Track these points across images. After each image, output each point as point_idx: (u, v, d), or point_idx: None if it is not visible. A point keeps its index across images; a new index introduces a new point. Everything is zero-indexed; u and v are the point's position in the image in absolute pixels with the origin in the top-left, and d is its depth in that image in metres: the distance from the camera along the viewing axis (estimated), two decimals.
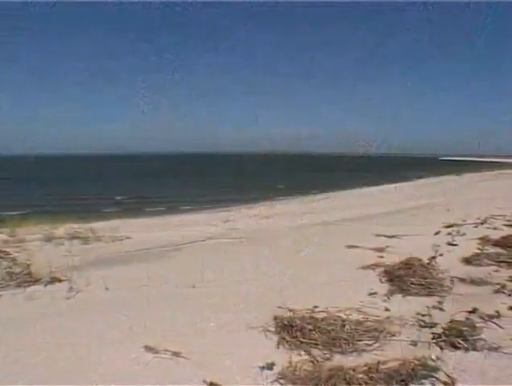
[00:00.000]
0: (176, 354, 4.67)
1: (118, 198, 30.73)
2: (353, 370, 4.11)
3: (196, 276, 7.77)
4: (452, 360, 4.34)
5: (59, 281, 7.83)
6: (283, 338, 4.98)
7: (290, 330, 5.09)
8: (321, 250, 9.90)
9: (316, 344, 4.76)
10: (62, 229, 13.89)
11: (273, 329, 5.27)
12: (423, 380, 3.94)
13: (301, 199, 28.67)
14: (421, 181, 44.41)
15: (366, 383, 3.91)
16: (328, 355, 4.54)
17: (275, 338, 5.05)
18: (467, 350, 4.55)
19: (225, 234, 13.48)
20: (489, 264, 7.93)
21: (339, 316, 5.41)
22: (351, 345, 4.73)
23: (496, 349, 4.53)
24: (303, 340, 4.85)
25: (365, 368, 4.14)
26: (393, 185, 38.62)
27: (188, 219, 18.86)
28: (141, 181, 48.47)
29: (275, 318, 5.47)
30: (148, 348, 4.81)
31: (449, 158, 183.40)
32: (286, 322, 5.26)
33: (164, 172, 71.14)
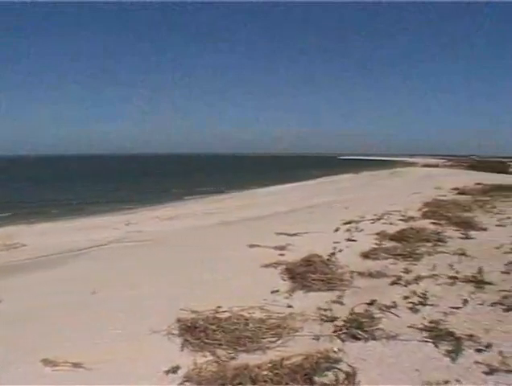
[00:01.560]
0: (77, 365, 4.53)
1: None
2: (258, 367, 4.23)
3: (95, 282, 7.56)
4: (353, 351, 4.63)
5: None
6: (187, 340, 5.01)
7: (193, 331, 5.14)
8: (223, 250, 10.04)
9: (220, 344, 4.84)
10: None
11: (177, 332, 5.28)
12: (326, 372, 4.16)
13: (205, 199, 28.71)
14: (321, 179, 46.30)
15: (271, 379, 4.04)
16: (232, 355, 4.65)
17: (179, 340, 5.07)
18: (367, 340, 4.88)
19: (127, 237, 13.27)
20: (386, 258, 8.49)
21: (242, 315, 5.54)
22: (255, 343, 4.87)
23: (393, 337, 4.89)
24: (207, 341, 4.92)
25: (270, 365, 4.29)
26: (294, 184, 39.95)
27: (89, 222, 18.16)
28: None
29: (178, 321, 5.49)
30: (46, 362, 4.62)
31: (348, 158, 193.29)
32: (189, 324, 5.31)
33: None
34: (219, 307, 5.84)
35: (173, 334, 5.26)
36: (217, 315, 5.56)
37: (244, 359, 4.53)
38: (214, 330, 5.08)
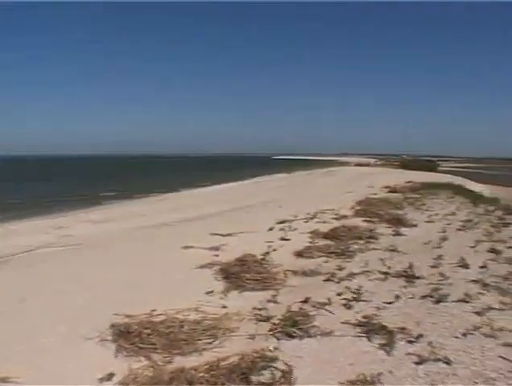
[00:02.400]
0: (5, 379, 4.35)
1: None
2: (195, 370, 4.27)
3: (23, 289, 7.27)
4: (289, 349, 4.74)
5: None
6: (121, 346, 4.96)
7: (128, 336, 5.09)
8: (157, 252, 9.98)
9: (156, 348, 4.83)
10: None
11: (110, 337, 5.21)
12: (262, 371, 4.23)
13: (142, 200, 28.14)
14: (254, 179, 46.58)
15: (208, 381, 4.08)
16: (168, 358, 4.65)
17: (113, 346, 5.01)
18: (302, 337, 5.01)
19: (58, 242, 12.79)
20: (319, 256, 8.75)
21: (177, 317, 5.54)
22: (191, 345, 4.90)
23: (328, 333, 5.05)
24: (142, 345, 4.89)
25: (206, 367, 4.33)
26: (230, 184, 40.01)
27: (16, 227, 17.23)
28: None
29: (112, 326, 5.41)
30: None
31: (281, 157, 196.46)
32: (123, 329, 5.24)
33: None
34: (153, 311, 5.80)
35: (107, 340, 5.18)
36: (152, 319, 5.53)
37: (180, 362, 4.54)
38: (149, 334, 5.06)
